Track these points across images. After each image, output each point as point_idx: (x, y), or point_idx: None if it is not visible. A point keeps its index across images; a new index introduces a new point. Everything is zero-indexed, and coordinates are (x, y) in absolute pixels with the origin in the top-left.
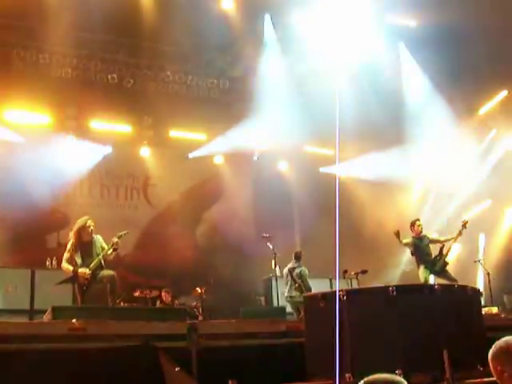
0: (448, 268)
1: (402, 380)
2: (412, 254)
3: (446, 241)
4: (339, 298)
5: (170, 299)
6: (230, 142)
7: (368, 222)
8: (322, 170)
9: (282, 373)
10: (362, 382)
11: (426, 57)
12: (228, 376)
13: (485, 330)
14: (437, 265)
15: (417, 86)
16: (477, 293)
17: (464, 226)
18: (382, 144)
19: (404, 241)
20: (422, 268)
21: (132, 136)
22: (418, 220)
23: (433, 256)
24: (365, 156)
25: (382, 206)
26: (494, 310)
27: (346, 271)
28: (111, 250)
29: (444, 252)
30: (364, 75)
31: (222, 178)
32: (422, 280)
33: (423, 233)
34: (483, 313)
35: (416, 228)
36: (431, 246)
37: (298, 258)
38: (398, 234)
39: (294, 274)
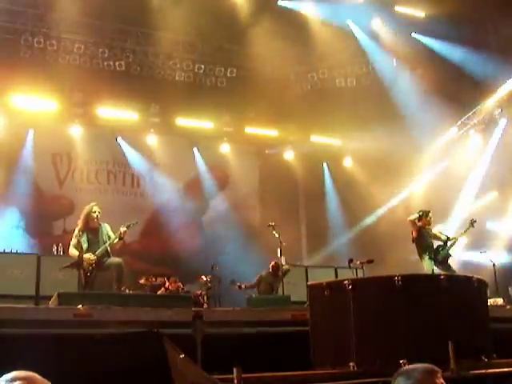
0: (453, 259)
1: (437, 368)
2: (413, 241)
3: (450, 240)
4: (345, 287)
5: (175, 287)
6: (237, 130)
7: (375, 211)
8: (325, 164)
9: (287, 361)
10: (401, 371)
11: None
12: (232, 363)
13: (490, 321)
14: (440, 254)
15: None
16: (482, 284)
17: (471, 224)
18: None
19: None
20: (426, 258)
21: (139, 123)
22: (430, 212)
23: (435, 246)
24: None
25: (389, 195)
26: (500, 301)
27: (351, 260)
28: (118, 239)
29: (448, 244)
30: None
31: (228, 168)
32: (427, 270)
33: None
34: (488, 304)
35: (427, 220)
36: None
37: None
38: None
39: None
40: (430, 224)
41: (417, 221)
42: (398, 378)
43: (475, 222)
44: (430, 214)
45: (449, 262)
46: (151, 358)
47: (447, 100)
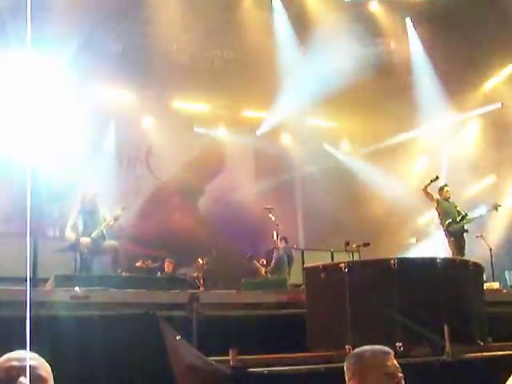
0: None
1: (389, 350)
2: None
3: (466, 217)
4: (340, 270)
5: (171, 269)
6: (234, 114)
7: (372, 193)
8: (325, 146)
9: (283, 343)
10: (351, 354)
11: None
12: (228, 345)
13: (486, 305)
14: (452, 226)
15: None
16: (479, 268)
17: (495, 208)
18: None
19: (434, 198)
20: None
21: (135, 105)
22: (447, 185)
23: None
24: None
25: (388, 177)
26: (496, 285)
27: (347, 243)
28: (113, 221)
29: (464, 220)
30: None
31: (224, 151)
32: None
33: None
34: (484, 288)
35: (444, 193)
36: None
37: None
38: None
39: None
40: (449, 197)
41: (436, 193)
42: (348, 361)
43: (499, 206)
44: (447, 188)
45: (464, 237)
46: (148, 339)
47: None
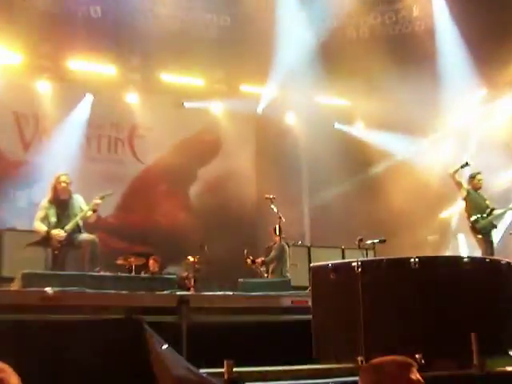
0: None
1: (412, 361)
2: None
3: (494, 211)
4: (353, 270)
5: (158, 268)
6: (232, 89)
7: (391, 181)
8: (336, 126)
9: (285, 354)
10: (367, 366)
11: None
12: (222, 356)
13: None
14: (479, 223)
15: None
16: None
17: None
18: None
19: (464, 186)
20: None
21: (117, 79)
22: (479, 173)
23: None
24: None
25: (406, 166)
26: None
27: (361, 240)
28: (90, 211)
29: (494, 214)
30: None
31: (220, 132)
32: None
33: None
34: None
35: (476, 182)
36: None
37: None
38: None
39: None
40: (480, 187)
41: (466, 182)
42: (364, 374)
43: None
44: (479, 176)
45: (491, 234)
46: (129, 348)
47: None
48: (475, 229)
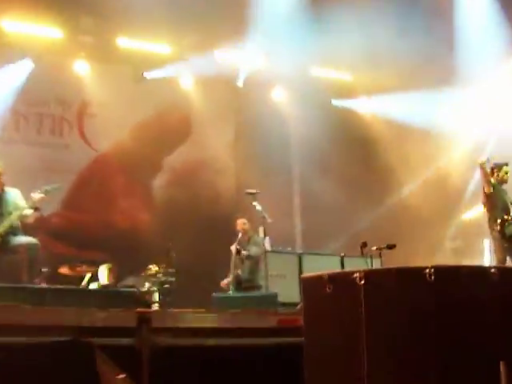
0: None
1: None
2: (483, 202)
3: None
4: (354, 282)
5: (112, 279)
6: (205, 58)
7: (400, 173)
8: (334, 102)
9: None
10: None
11: None
12: None
13: None
14: (508, 228)
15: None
16: None
17: None
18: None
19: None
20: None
21: (63, 44)
22: (507, 165)
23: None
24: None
25: (418, 159)
26: None
27: (364, 245)
28: (30, 210)
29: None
30: None
31: (191, 110)
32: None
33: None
34: None
35: (501, 175)
36: None
37: None
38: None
39: None
40: (505, 182)
41: (490, 172)
42: None
43: None
44: (506, 168)
45: None
46: (76, 377)
47: None
48: (504, 234)
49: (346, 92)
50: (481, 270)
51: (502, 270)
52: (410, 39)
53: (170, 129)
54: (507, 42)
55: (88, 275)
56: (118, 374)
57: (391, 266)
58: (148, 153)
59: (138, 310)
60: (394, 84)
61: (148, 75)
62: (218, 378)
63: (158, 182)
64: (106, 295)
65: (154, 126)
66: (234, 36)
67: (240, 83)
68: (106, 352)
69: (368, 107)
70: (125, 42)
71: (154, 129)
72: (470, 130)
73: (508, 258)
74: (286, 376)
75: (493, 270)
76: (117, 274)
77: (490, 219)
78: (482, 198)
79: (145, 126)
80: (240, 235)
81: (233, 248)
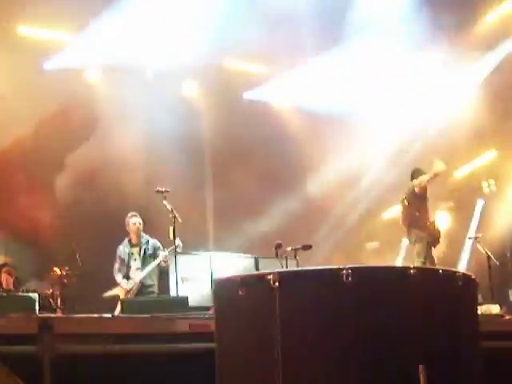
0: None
1: None
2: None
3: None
4: (268, 284)
5: (12, 284)
6: (112, 48)
7: (318, 170)
8: (245, 95)
9: None
10: None
11: None
12: None
13: (481, 337)
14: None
15: None
16: (471, 283)
17: None
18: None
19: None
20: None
21: None
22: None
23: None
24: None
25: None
26: (495, 309)
27: (279, 245)
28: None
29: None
30: None
31: (96, 103)
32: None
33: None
34: (479, 313)
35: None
36: None
37: None
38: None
39: None
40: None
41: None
42: None
43: None
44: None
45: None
46: None
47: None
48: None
49: (259, 84)
50: (400, 271)
51: (422, 270)
52: None
53: (73, 125)
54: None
55: None
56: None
57: (307, 267)
58: (50, 150)
59: (39, 315)
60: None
61: (49, 66)
62: None
63: (61, 182)
64: (4, 300)
65: (56, 121)
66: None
67: (149, 76)
68: (4, 360)
69: (282, 99)
70: (24, 30)
71: (56, 124)
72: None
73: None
74: (199, 382)
75: (412, 271)
76: (17, 278)
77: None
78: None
79: (46, 122)
80: (133, 236)
81: (130, 251)
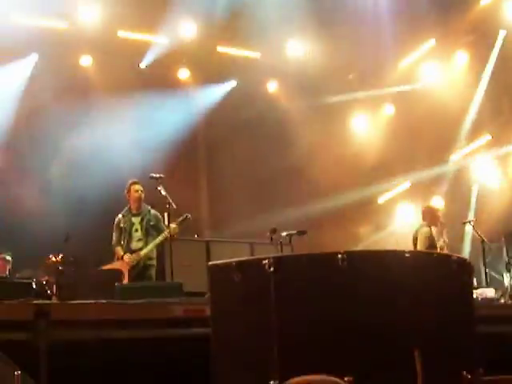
0: None
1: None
2: None
3: None
4: (263, 269)
5: (7, 271)
6: (108, 34)
7: (310, 157)
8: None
9: (178, 380)
10: None
11: None
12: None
13: (476, 321)
14: None
15: None
16: (466, 267)
17: None
18: None
19: None
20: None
21: None
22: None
23: None
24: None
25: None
26: (490, 292)
27: (274, 231)
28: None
29: None
30: None
31: (90, 87)
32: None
33: None
34: (474, 297)
35: None
36: None
37: None
38: None
39: None
40: None
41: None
42: None
43: None
44: None
45: None
46: None
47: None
48: None
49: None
50: (396, 255)
51: (416, 254)
52: None
53: (68, 108)
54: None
55: None
56: (14, 371)
57: (302, 253)
58: (43, 130)
59: (35, 301)
60: None
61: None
62: (122, 373)
63: (56, 166)
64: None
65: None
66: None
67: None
68: (0, 348)
69: None
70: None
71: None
72: None
73: None
74: (194, 368)
75: (407, 255)
76: (12, 265)
77: None
78: None
79: (40, 102)
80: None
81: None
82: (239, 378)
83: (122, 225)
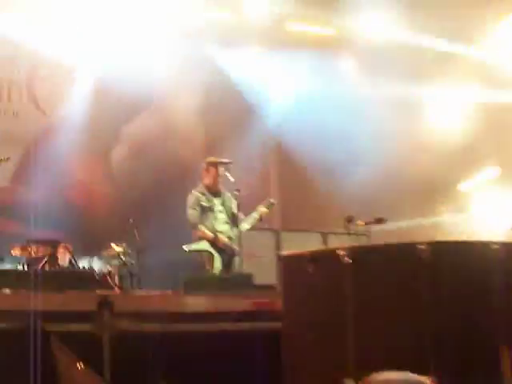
0: None
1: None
2: None
3: None
4: (339, 261)
5: (69, 260)
6: None
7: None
8: None
9: (244, 376)
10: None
11: None
12: (159, 376)
13: None
14: None
15: None
16: None
17: None
18: None
19: None
20: None
21: None
22: None
23: None
24: None
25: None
26: None
27: (350, 219)
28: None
29: None
30: None
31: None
32: None
33: None
34: None
35: None
36: None
37: None
38: None
39: None
40: None
41: None
42: None
43: None
44: None
45: None
46: (29, 367)
47: None
48: None
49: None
50: (481, 245)
51: (506, 245)
52: None
53: (129, 95)
54: None
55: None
56: (76, 363)
57: (381, 243)
58: (104, 121)
59: (99, 292)
60: None
61: None
62: (186, 367)
63: (116, 153)
64: (62, 276)
65: (112, 91)
66: None
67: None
68: (62, 339)
69: None
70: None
71: (112, 95)
72: None
73: None
74: (262, 364)
75: (496, 246)
76: (73, 254)
77: None
78: None
79: (102, 89)
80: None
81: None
82: (313, 372)
83: (204, 203)
